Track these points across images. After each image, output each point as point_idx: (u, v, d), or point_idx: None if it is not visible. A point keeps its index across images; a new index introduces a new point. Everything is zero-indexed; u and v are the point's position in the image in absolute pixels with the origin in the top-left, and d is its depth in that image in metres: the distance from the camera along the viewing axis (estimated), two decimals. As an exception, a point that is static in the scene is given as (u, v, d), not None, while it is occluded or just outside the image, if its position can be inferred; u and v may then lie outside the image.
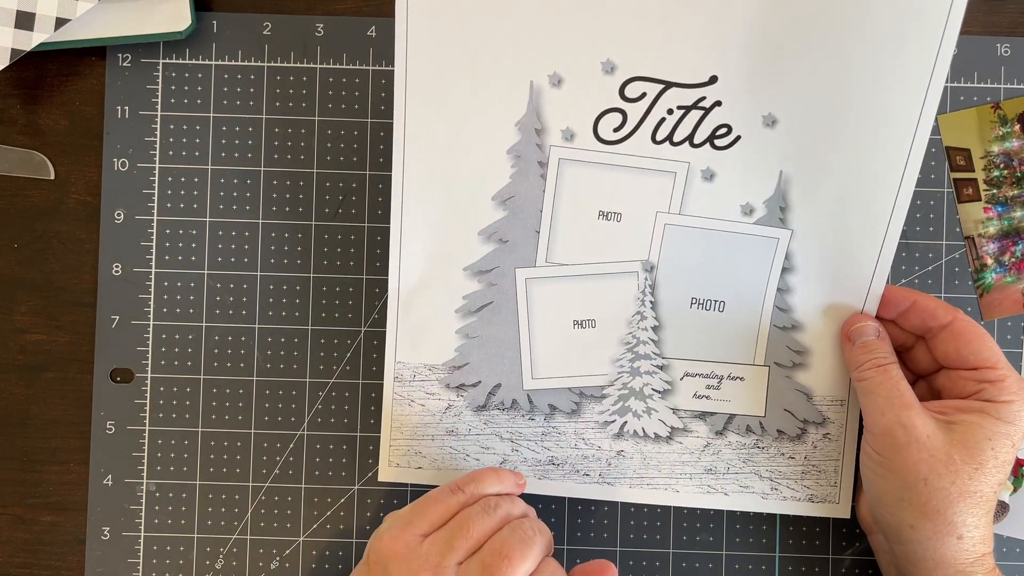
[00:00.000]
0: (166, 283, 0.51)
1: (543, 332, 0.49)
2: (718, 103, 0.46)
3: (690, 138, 0.47)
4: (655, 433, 0.49)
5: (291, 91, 0.51)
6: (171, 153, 0.51)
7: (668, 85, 0.46)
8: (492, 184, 0.48)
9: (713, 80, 0.46)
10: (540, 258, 0.48)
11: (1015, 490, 0.51)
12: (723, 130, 0.47)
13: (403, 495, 0.51)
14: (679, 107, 0.46)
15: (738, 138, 0.47)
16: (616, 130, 0.47)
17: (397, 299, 0.49)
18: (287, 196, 0.51)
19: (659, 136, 0.47)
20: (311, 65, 0.51)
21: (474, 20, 0.46)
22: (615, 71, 0.46)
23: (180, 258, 0.51)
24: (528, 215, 0.48)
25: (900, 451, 0.44)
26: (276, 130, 0.51)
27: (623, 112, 0.47)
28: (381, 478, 0.50)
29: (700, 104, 0.46)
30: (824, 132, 0.46)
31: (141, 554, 0.51)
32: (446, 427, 0.49)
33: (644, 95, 0.46)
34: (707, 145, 0.47)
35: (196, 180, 0.51)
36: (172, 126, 0.51)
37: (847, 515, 0.50)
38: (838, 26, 0.45)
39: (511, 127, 0.47)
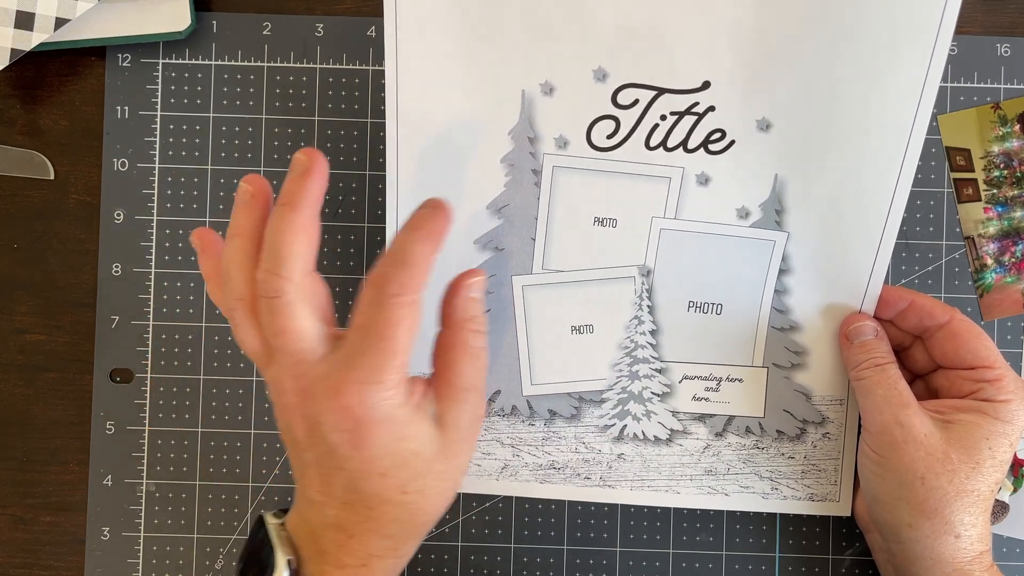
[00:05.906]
0: (166, 283, 0.51)
1: (541, 338, 0.48)
2: (711, 108, 0.46)
3: (684, 143, 0.47)
4: (655, 436, 0.49)
5: (291, 91, 0.51)
6: (171, 153, 0.51)
7: (661, 91, 0.46)
8: (487, 193, 0.47)
9: (706, 85, 0.46)
10: (536, 265, 0.48)
11: (1015, 490, 0.51)
12: (717, 135, 0.46)
13: (403, 495, 0.51)
14: (672, 113, 0.46)
15: (732, 142, 0.47)
16: (609, 137, 0.47)
17: (396, 308, 0.48)
18: (287, 196, 0.51)
19: (653, 142, 0.47)
20: (311, 65, 0.51)
21: (464, 30, 0.45)
22: (607, 78, 0.46)
23: (180, 258, 0.51)
24: (523, 223, 0.48)
25: (897, 450, 0.44)
26: (276, 130, 0.51)
27: (616, 119, 0.46)
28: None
29: (693, 110, 0.46)
30: (818, 134, 0.46)
31: (141, 554, 0.51)
32: (446, 432, 0.49)
33: (637, 102, 0.46)
34: (701, 150, 0.47)
35: (196, 180, 0.51)
36: (172, 126, 0.51)
37: (847, 513, 0.50)
38: (831, 28, 0.44)
39: (504, 136, 0.47)
